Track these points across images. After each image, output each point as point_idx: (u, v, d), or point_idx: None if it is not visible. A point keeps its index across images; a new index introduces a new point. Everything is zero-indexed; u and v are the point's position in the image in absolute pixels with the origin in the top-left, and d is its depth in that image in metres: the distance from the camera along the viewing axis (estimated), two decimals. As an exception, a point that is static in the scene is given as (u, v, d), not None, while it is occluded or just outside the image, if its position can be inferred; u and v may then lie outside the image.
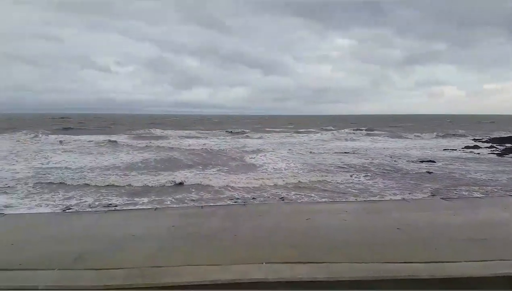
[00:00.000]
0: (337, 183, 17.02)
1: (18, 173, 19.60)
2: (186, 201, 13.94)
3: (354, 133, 58.71)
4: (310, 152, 30.56)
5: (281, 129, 73.24)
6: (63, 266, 2.34)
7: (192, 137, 50.92)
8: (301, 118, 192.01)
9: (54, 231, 3.25)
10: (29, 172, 19.72)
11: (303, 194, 14.93)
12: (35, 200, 14.02)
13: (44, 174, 19.18)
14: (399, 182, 17.29)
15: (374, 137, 51.29)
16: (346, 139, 47.70)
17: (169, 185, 16.50)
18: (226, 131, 62.44)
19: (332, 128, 72.70)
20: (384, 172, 20.06)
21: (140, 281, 2.18)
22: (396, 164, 23.17)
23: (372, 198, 13.71)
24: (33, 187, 16.02)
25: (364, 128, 68.35)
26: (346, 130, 64.63)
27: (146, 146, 34.87)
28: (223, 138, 48.20)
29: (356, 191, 15.34)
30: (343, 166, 22.24)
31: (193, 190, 15.48)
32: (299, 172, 20.26)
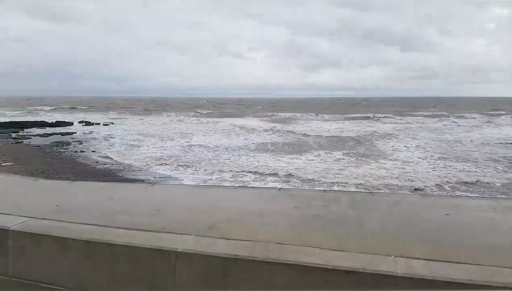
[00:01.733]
0: (482, 176, 14.85)
1: (166, 149, 22.87)
2: (309, 184, 14.10)
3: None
4: (455, 141, 27.11)
5: (421, 113, 65.83)
6: (198, 232, 2.61)
7: (320, 120, 50.73)
8: (447, 100, 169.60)
9: (193, 201, 3.64)
10: (176, 149, 22.77)
11: (438, 186, 13.51)
12: (183, 173, 16.21)
13: (188, 151, 21.91)
14: None
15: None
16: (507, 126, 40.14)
17: (292, 167, 16.89)
18: (357, 114, 59.90)
19: (491, 112, 62.04)
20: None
21: (264, 255, 2.27)
22: None
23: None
24: (179, 162, 18.43)
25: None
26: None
27: (275, 128, 36.22)
28: (353, 122, 46.58)
29: (505, 187, 13.16)
30: (494, 159, 19.17)
31: (316, 173, 15.51)
32: (436, 162, 18.33)
